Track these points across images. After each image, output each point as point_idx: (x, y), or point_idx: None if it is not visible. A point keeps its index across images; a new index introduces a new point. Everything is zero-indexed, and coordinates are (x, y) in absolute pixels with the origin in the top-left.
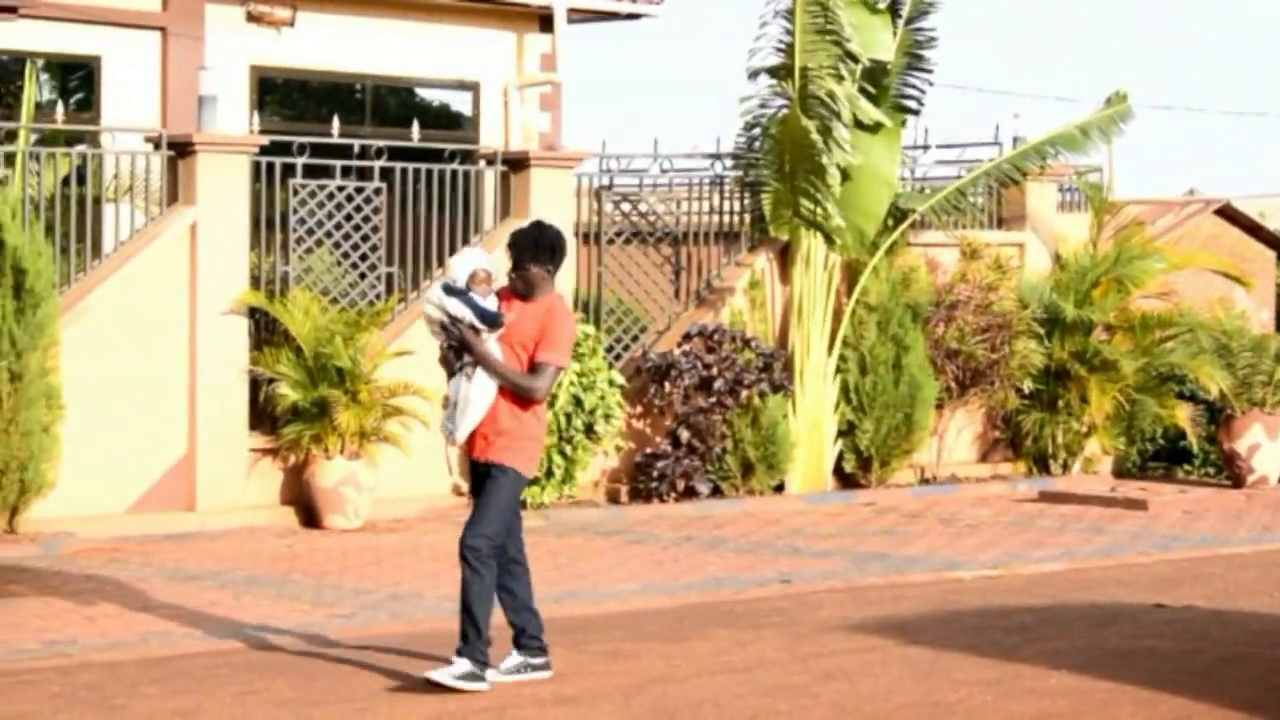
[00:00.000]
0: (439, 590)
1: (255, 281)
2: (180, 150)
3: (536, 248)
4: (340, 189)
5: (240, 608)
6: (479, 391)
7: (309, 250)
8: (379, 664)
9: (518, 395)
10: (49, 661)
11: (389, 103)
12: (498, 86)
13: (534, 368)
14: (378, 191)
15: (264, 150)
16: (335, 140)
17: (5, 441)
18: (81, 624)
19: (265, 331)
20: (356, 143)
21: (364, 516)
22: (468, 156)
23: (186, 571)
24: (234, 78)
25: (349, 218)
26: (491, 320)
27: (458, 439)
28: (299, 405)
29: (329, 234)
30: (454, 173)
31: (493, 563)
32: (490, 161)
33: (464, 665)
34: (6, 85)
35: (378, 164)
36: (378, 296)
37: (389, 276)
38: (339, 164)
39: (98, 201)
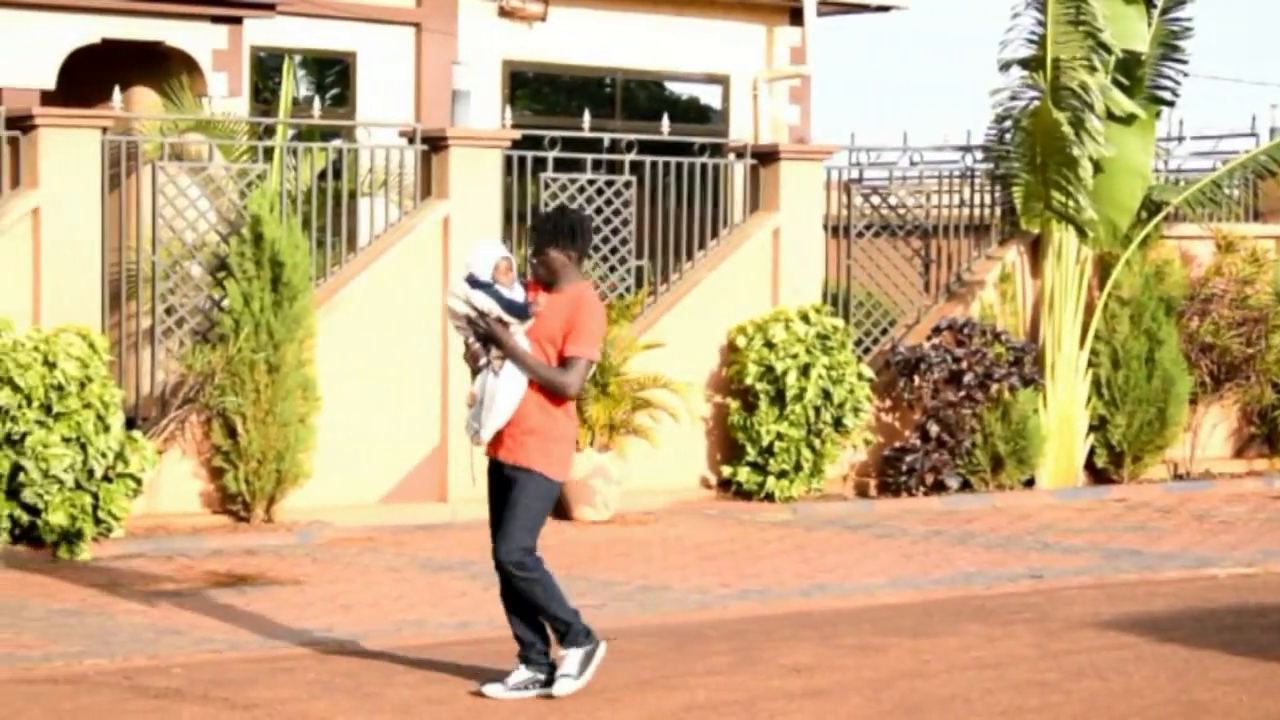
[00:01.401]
0: (688, 583)
1: None
2: (434, 145)
3: (556, 232)
4: (590, 183)
5: (489, 599)
6: (506, 388)
7: None
8: (630, 656)
9: (549, 392)
10: (305, 649)
11: (638, 96)
12: (747, 80)
13: (564, 362)
14: (627, 185)
15: (515, 144)
16: (586, 134)
17: (263, 432)
18: (337, 612)
19: None
20: (607, 136)
21: (613, 509)
22: (717, 150)
23: (438, 562)
24: (486, 72)
25: (599, 211)
26: (519, 311)
27: (482, 438)
28: None
29: None
30: (703, 166)
31: (540, 564)
32: (740, 155)
33: (574, 655)
34: (265, 81)
35: (628, 158)
36: (627, 290)
37: (638, 270)
38: (589, 158)
39: (353, 195)
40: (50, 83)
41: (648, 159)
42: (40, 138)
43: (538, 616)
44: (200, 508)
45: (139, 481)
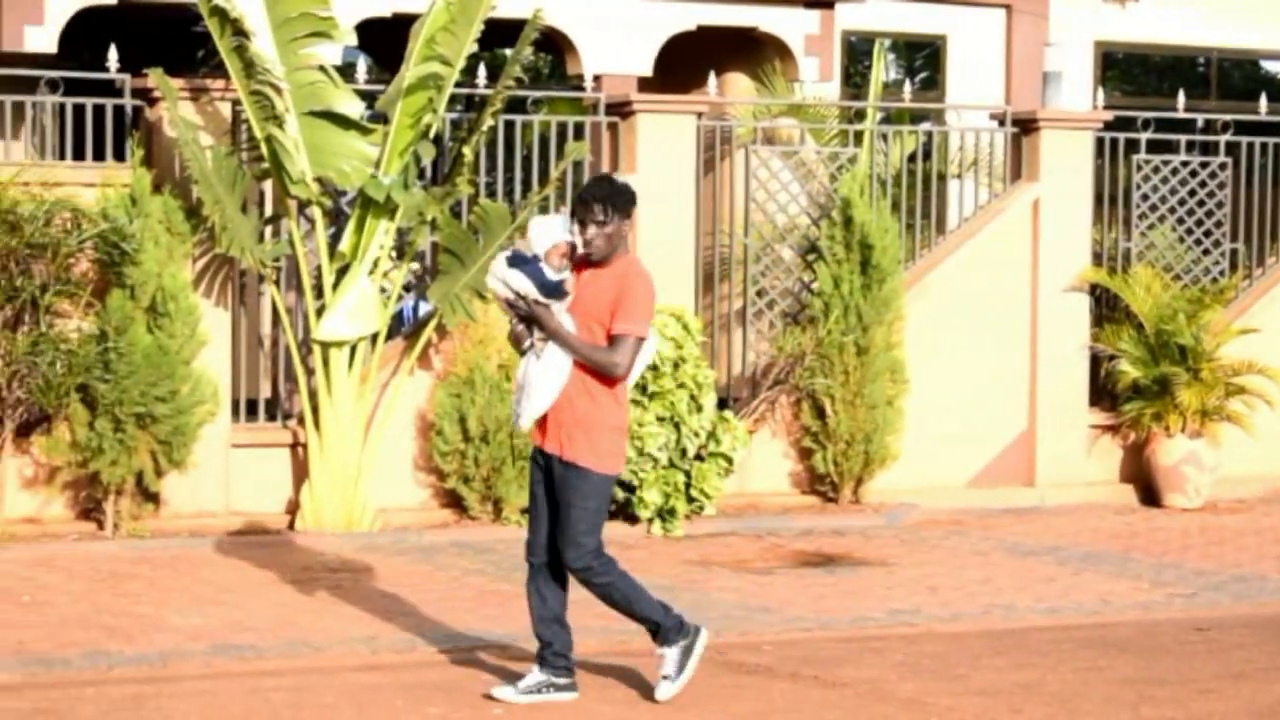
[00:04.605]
0: None
1: (1096, 258)
2: (1024, 127)
3: (601, 202)
4: (1184, 164)
5: (1078, 584)
6: (548, 371)
7: (1151, 226)
8: (1224, 647)
9: (597, 374)
10: (894, 630)
11: (1233, 76)
12: None
13: (611, 341)
14: (1223, 166)
15: (1107, 126)
16: (1179, 115)
17: (851, 414)
18: (924, 594)
19: (1105, 308)
20: (1200, 117)
21: (1204, 496)
22: None
23: (1025, 546)
24: (1078, 53)
25: (1192, 193)
26: (552, 289)
27: (522, 425)
28: (1139, 382)
29: (1171, 210)
30: None
31: (611, 565)
32: None
33: (671, 654)
34: (855, 65)
35: (1223, 139)
36: (1221, 273)
37: (1232, 253)
38: (1183, 139)
39: (942, 178)
40: (648, 69)
41: (1244, 139)
42: (638, 123)
43: (557, 622)
44: (789, 488)
45: (730, 461)
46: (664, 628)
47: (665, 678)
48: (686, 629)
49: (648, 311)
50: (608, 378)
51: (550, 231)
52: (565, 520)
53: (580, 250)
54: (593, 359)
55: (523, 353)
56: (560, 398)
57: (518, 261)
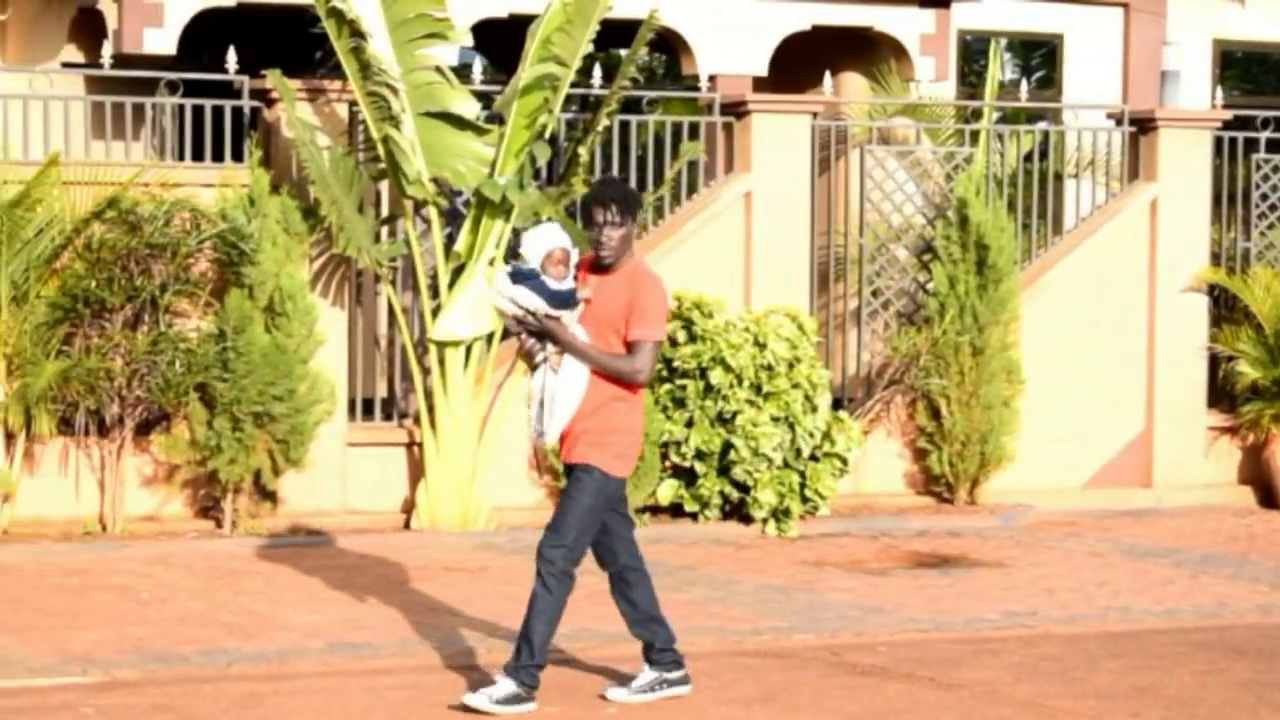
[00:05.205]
0: None
1: (1215, 258)
2: (1141, 126)
3: (609, 204)
4: None
5: (1196, 587)
6: (568, 385)
7: (1270, 226)
8: None
9: (618, 381)
10: (1010, 631)
11: None
12: None
13: (629, 347)
14: None
15: (1225, 125)
16: None
17: (966, 414)
18: (1041, 596)
19: (1224, 308)
20: None
21: None
22: None
23: (1142, 548)
24: (1195, 52)
25: None
26: (564, 300)
27: (548, 440)
28: (1258, 383)
29: None
30: None
31: (568, 579)
32: None
33: (507, 686)
34: (970, 64)
35: None
36: None
37: None
38: None
39: (1058, 178)
40: (763, 69)
41: None
42: (753, 123)
43: (653, 620)
44: (904, 488)
45: (845, 461)
46: (523, 662)
47: (487, 693)
48: (533, 688)
49: (663, 313)
50: (628, 385)
51: (543, 240)
52: (559, 512)
53: (596, 252)
54: (613, 368)
55: (534, 368)
56: (580, 408)
57: (520, 277)
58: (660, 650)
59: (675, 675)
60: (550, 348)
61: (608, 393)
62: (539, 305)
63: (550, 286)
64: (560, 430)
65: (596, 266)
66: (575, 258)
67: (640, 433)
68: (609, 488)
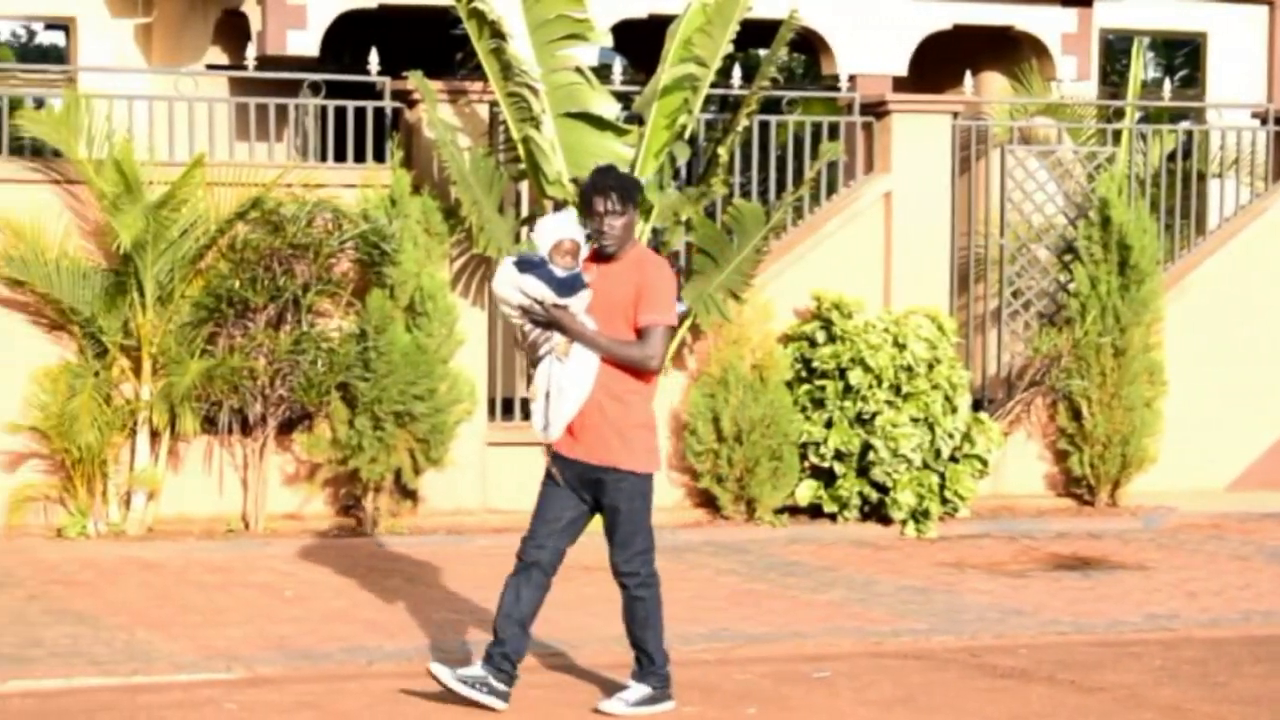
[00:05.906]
0: None
1: None
2: None
3: (609, 192)
4: None
5: None
6: (575, 375)
7: None
8: None
9: (629, 370)
10: (1152, 635)
11: None
12: None
13: (640, 333)
14: None
15: None
16: None
17: (1108, 415)
18: (1183, 599)
19: None
20: None
21: None
22: None
23: None
24: None
25: None
26: (567, 285)
27: (553, 434)
28: None
29: None
30: None
31: (653, 580)
32: None
33: (643, 689)
34: (1113, 63)
35: None
36: None
37: None
38: None
39: (1202, 177)
40: (903, 69)
41: None
42: (893, 123)
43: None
44: (1044, 490)
45: (985, 462)
46: (653, 669)
47: (621, 698)
48: (668, 689)
49: (671, 297)
50: (641, 373)
51: (555, 229)
52: (615, 526)
53: (599, 242)
54: (624, 355)
55: (537, 360)
56: (589, 401)
57: (526, 265)
58: (504, 657)
59: (501, 688)
60: (557, 338)
61: (612, 385)
62: (546, 294)
63: (556, 274)
64: (566, 423)
65: (600, 256)
66: (585, 251)
67: (654, 426)
68: (647, 485)
